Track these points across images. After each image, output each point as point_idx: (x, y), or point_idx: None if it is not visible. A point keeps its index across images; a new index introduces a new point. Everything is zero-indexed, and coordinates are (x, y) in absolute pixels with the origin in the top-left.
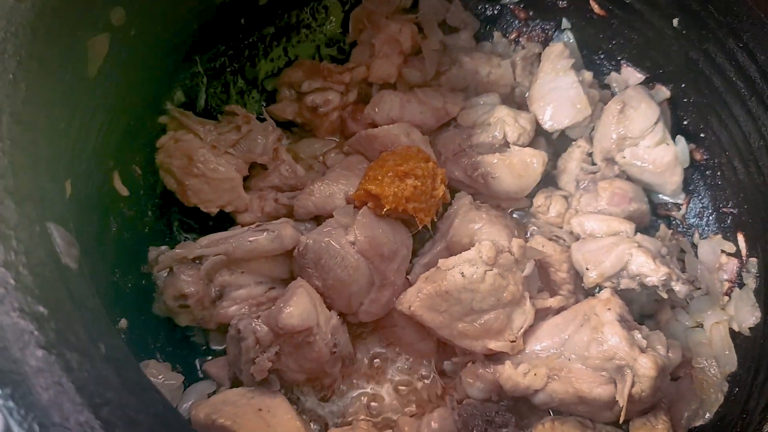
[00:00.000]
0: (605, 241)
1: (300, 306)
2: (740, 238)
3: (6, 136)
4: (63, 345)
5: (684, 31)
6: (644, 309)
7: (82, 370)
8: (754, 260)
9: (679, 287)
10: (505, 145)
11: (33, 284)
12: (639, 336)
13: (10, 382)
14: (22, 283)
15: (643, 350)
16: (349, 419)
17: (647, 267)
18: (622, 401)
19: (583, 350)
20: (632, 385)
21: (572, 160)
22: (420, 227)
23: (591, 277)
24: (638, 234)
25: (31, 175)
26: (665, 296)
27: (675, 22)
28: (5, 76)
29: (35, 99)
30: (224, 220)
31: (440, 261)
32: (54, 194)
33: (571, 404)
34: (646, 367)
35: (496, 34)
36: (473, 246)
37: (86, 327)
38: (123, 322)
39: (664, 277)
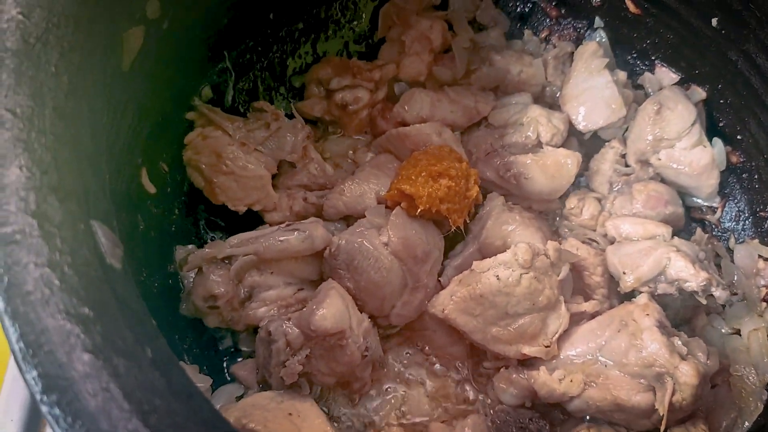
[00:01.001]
0: (642, 245)
1: (333, 308)
2: None
3: (49, 131)
4: (110, 349)
5: (723, 31)
6: (679, 315)
7: (130, 375)
8: None
9: (719, 293)
10: (538, 145)
11: (78, 285)
12: (679, 343)
13: (57, 388)
14: (68, 283)
15: (683, 357)
16: (380, 424)
17: (686, 272)
18: (662, 410)
19: (620, 357)
20: (673, 393)
21: (605, 162)
22: (453, 228)
23: (628, 281)
24: (675, 238)
25: (75, 171)
26: (704, 302)
27: (714, 21)
28: (48, 68)
29: (78, 92)
30: (251, 219)
31: (474, 263)
32: (97, 191)
33: (608, 412)
34: (687, 375)
35: (527, 33)
36: (506, 248)
37: (132, 330)
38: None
39: (704, 283)
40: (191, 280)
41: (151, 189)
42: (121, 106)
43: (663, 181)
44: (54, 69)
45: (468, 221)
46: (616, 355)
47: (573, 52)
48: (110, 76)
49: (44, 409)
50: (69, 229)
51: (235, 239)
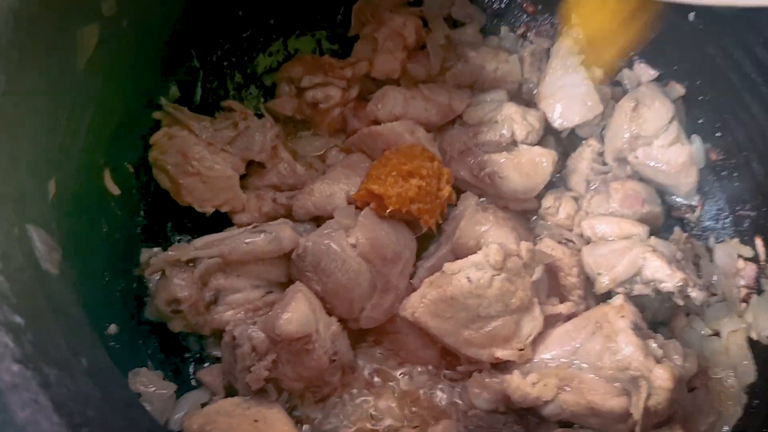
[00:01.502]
0: (618, 245)
1: (298, 312)
2: (758, 242)
3: None
4: (41, 359)
5: (700, 26)
6: (657, 316)
7: (62, 385)
8: None
9: (695, 294)
10: (513, 143)
11: (9, 291)
12: (654, 345)
13: None
14: None
15: (658, 360)
16: (350, 430)
17: (662, 272)
18: (637, 414)
19: (595, 360)
20: (647, 397)
21: (582, 160)
22: (424, 229)
23: (603, 282)
24: (652, 237)
25: (10, 173)
26: (681, 303)
27: (691, 16)
28: None
29: (16, 92)
30: (220, 221)
31: (445, 265)
32: (35, 194)
33: (583, 416)
34: (662, 378)
35: (504, 29)
36: (480, 249)
37: (67, 338)
38: (112, 328)
39: (680, 283)
40: (156, 283)
41: (115, 190)
42: (78, 105)
43: (641, 179)
44: None
45: (441, 221)
46: (591, 358)
47: (550, 49)
48: (61, 75)
49: None
50: (2, 233)
51: (199, 241)
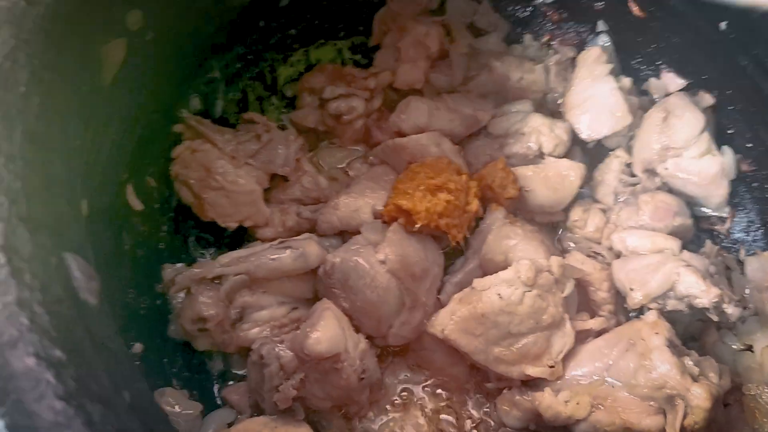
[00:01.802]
0: (650, 259)
1: (328, 331)
2: None
3: (18, 156)
4: (84, 395)
5: (732, 35)
6: (688, 330)
7: (106, 423)
8: None
9: (731, 310)
10: (540, 156)
11: (49, 325)
12: (690, 363)
13: None
14: (38, 323)
15: (695, 379)
16: None
17: (697, 288)
18: None
19: (629, 377)
20: (684, 417)
21: (610, 172)
22: (452, 244)
23: (636, 298)
24: (685, 251)
25: (47, 199)
26: (716, 319)
27: (722, 25)
28: (16, 88)
29: (49, 113)
30: (242, 235)
31: (475, 281)
32: (70, 219)
33: None
34: (700, 398)
35: (527, 38)
36: (508, 263)
37: (109, 372)
38: (137, 347)
39: (716, 299)
40: (180, 300)
41: (138, 206)
42: (103, 121)
43: (670, 191)
44: (24, 89)
45: (468, 235)
46: (625, 375)
47: (575, 58)
48: (88, 92)
49: None
50: (39, 264)
51: (225, 258)
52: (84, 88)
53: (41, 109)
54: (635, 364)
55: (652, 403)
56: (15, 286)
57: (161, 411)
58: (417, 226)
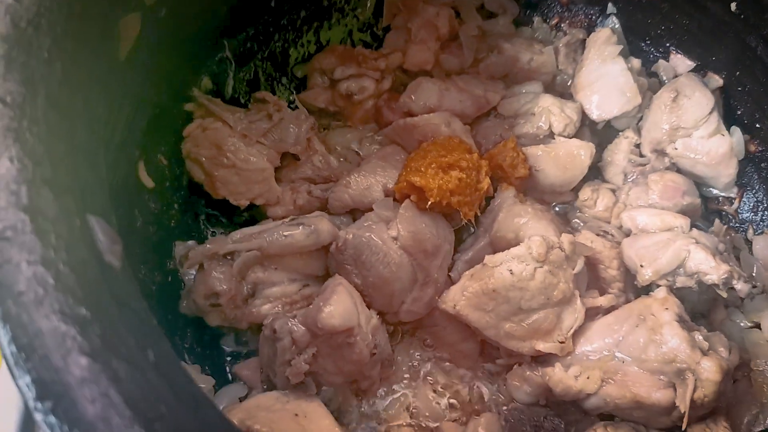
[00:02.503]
0: (660, 237)
1: (341, 305)
2: None
3: (42, 121)
4: (109, 352)
5: (742, 16)
6: (696, 308)
7: (131, 380)
8: None
9: (740, 286)
10: (550, 135)
11: (74, 284)
12: (700, 337)
13: (52, 395)
14: (63, 282)
15: (705, 353)
16: (389, 424)
17: (707, 264)
18: (683, 407)
19: (639, 352)
20: (694, 390)
21: (619, 152)
22: (464, 221)
23: (646, 274)
24: (694, 229)
25: (70, 163)
26: (725, 295)
27: (733, 6)
28: (40, 54)
29: (72, 81)
30: (254, 213)
31: (486, 257)
32: (94, 185)
33: (627, 409)
34: (710, 371)
35: (537, 20)
36: (518, 241)
37: (133, 332)
38: None
39: (726, 275)
40: (191, 277)
41: (149, 183)
42: (119, 97)
43: (679, 171)
44: (47, 55)
45: (479, 213)
46: (635, 350)
47: (585, 39)
48: (106, 65)
49: (38, 416)
50: (64, 225)
51: (237, 234)
52: (103, 61)
53: (64, 76)
54: (645, 339)
55: (662, 377)
56: (40, 246)
57: (185, 372)
58: (429, 203)
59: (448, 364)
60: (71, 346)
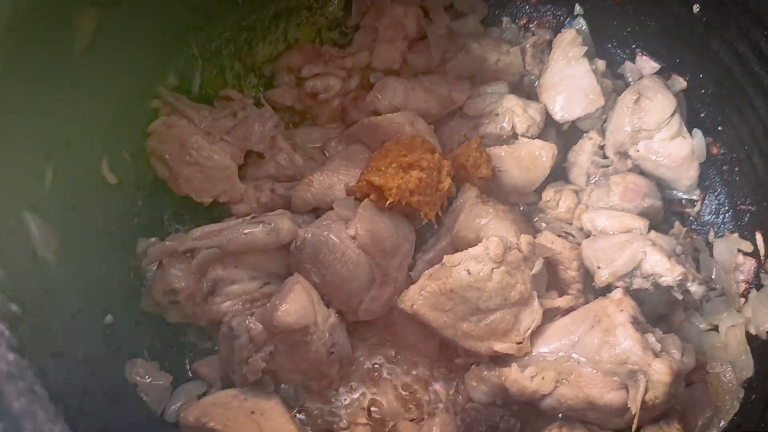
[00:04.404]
0: (618, 239)
1: (296, 303)
2: (758, 237)
3: None
4: (38, 347)
5: (704, 19)
6: (656, 310)
7: (58, 375)
8: None
9: (694, 288)
10: (513, 136)
11: (6, 280)
12: (653, 339)
13: None
14: None
15: (657, 355)
16: (347, 423)
17: (662, 266)
18: (634, 408)
19: (593, 353)
20: (645, 392)
21: (583, 153)
22: (424, 221)
23: (602, 276)
24: (652, 231)
25: (7, 159)
26: (680, 297)
27: (695, 8)
28: None
29: (13, 76)
30: (218, 211)
31: (445, 257)
32: (32, 181)
33: (581, 410)
34: (660, 372)
35: (505, 20)
36: (478, 242)
37: (64, 327)
38: (109, 318)
39: (680, 278)
40: (153, 274)
41: (112, 179)
42: (76, 92)
43: (642, 173)
44: None
45: (440, 214)
46: (590, 351)
47: (552, 40)
48: (59, 60)
49: None
50: None
51: (197, 232)
52: (52, 55)
53: (4, 69)
54: (600, 340)
55: (615, 378)
56: None
57: (116, 366)
58: (388, 202)
59: (407, 363)
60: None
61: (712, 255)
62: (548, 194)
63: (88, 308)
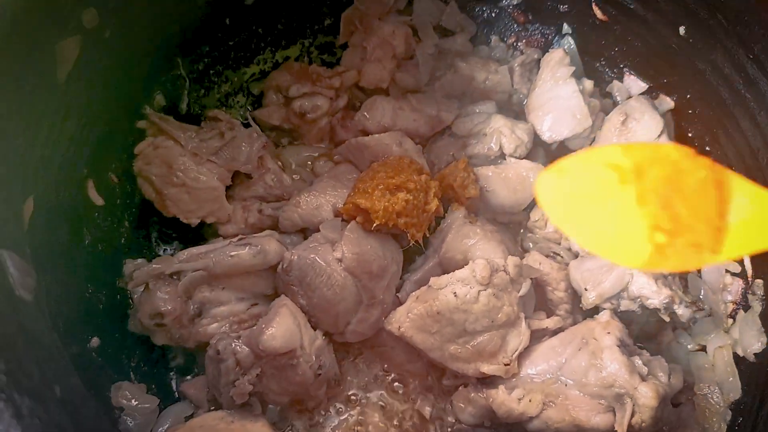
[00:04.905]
0: (605, 260)
1: (283, 327)
2: (746, 258)
3: None
4: (13, 388)
5: (691, 40)
6: (644, 330)
7: (34, 416)
8: (760, 282)
9: (681, 311)
10: (501, 156)
11: None
12: (639, 362)
13: None
14: None
15: (643, 378)
16: None
17: (648, 289)
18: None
19: (580, 376)
20: (632, 415)
21: None
22: (412, 243)
23: (590, 298)
24: None
25: None
26: (667, 319)
27: (681, 30)
28: None
29: None
30: (205, 230)
31: (432, 279)
32: (8, 219)
33: None
34: (646, 396)
35: (494, 39)
36: (466, 262)
37: (40, 367)
38: (95, 341)
39: (666, 300)
40: (139, 296)
41: (99, 201)
42: (60, 116)
43: None
44: None
45: (428, 234)
46: (576, 374)
47: (540, 59)
48: (39, 89)
49: None
50: None
51: (184, 254)
52: (31, 85)
53: None
54: (587, 362)
55: (601, 401)
56: None
57: (94, 405)
58: (374, 225)
59: (395, 384)
60: None
61: (700, 276)
62: (536, 214)
63: (70, 339)
